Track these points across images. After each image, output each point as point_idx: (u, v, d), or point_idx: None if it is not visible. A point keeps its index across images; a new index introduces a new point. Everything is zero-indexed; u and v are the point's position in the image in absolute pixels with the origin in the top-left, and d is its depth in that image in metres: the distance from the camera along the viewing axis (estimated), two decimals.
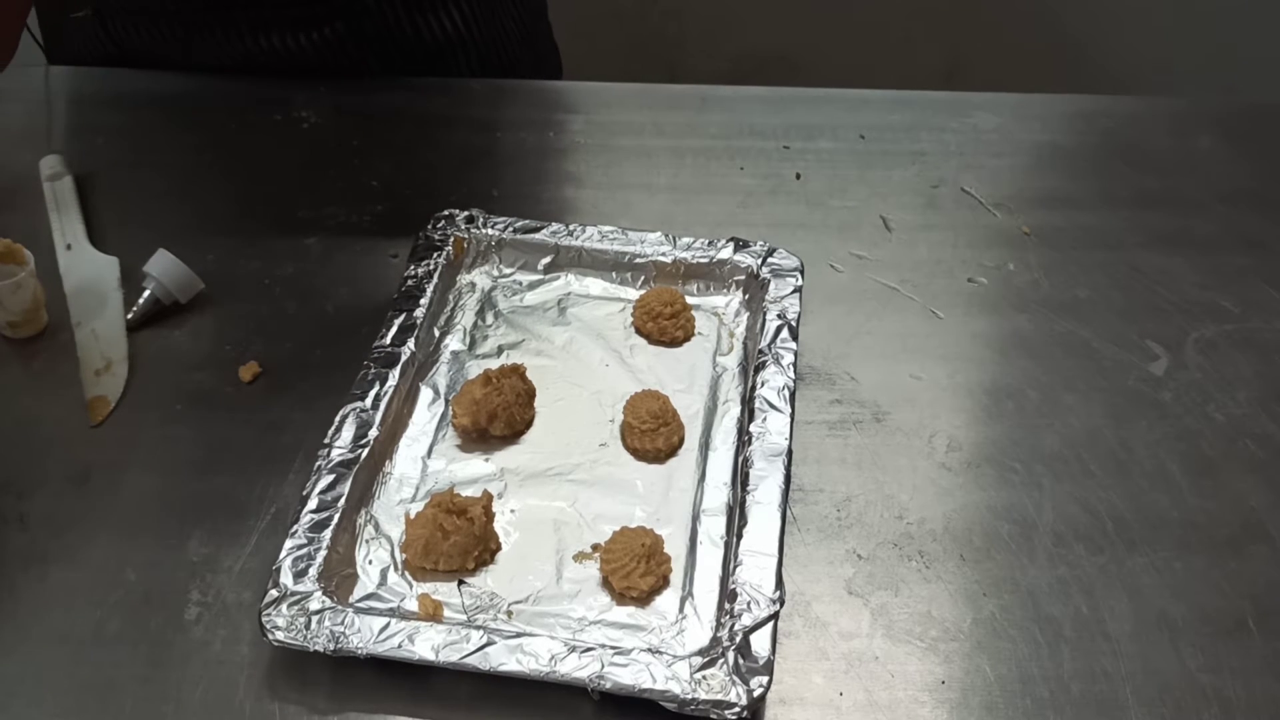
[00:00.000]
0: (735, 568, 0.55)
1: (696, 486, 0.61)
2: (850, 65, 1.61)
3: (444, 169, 0.85)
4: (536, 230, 0.74)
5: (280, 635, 0.52)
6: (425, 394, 0.66)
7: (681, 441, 0.63)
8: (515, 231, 0.74)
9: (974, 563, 0.59)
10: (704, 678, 0.50)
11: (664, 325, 0.69)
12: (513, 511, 0.60)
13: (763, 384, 0.64)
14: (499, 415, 0.62)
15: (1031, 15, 1.66)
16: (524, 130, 0.89)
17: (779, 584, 0.54)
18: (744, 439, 0.62)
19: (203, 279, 0.72)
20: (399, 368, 0.65)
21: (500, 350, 0.69)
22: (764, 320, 0.68)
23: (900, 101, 0.93)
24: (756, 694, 0.50)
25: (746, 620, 0.52)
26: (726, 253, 0.73)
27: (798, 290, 0.70)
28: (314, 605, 0.53)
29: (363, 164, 0.85)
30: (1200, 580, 0.59)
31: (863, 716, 0.53)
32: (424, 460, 0.62)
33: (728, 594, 0.54)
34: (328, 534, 0.56)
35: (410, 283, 0.70)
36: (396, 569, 0.57)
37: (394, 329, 0.67)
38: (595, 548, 0.58)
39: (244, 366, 0.68)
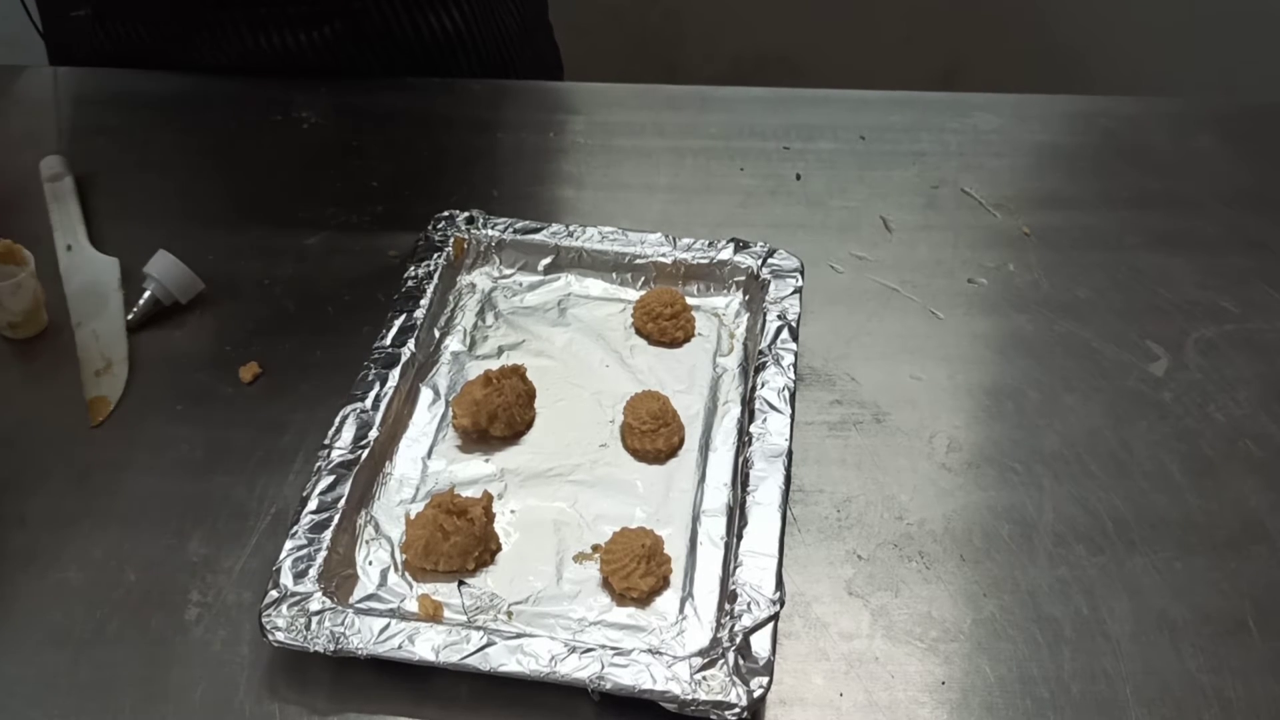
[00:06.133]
0: (735, 568, 0.55)
1: (697, 487, 0.61)
2: (850, 66, 1.61)
3: (444, 169, 0.85)
4: (536, 231, 0.74)
5: (280, 636, 0.52)
6: (425, 395, 0.66)
7: (681, 442, 0.63)
8: (515, 232, 0.74)
9: (974, 563, 0.59)
10: (704, 678, 0.50)
11: (664, 326, 0.69)
12: (513, 512, 0.60)
13: (763, 385, 0.64)
14: (499, 416, 0.62)
15: (1031, 16, 1.66)
16: (524, 131, 0.89)
17: (779, 585, 0.54)
18: (744, 440, 0.62)
19: (203, 279, 0.72)
20: (399, 368, 0.65)
21: (500, 351, 0.69)
22: (764, 321, 0.68)
23: (900, 102, 0.93)
24: (756, 694, 0.50)
25: (747, 621, 0.52)
26: (727, 253, 0.73)
27: (798, 291, 0.70)
28: (314, 606, 0.53)
29: (363, 164, 0.85)
30: (1200, 580, 0.59)
31: (863, 717, 0.53)
32: (424, 461, 0.62)
33: (728, 595, 0.54)
34: (328, 535, 0.56)
35: (410, 283, 0.70)
36: (396, 570, 0.57)
37: (394, 330, 0.67)
38: (595, 548, 0.58)
39: (244, 367, 0.68)
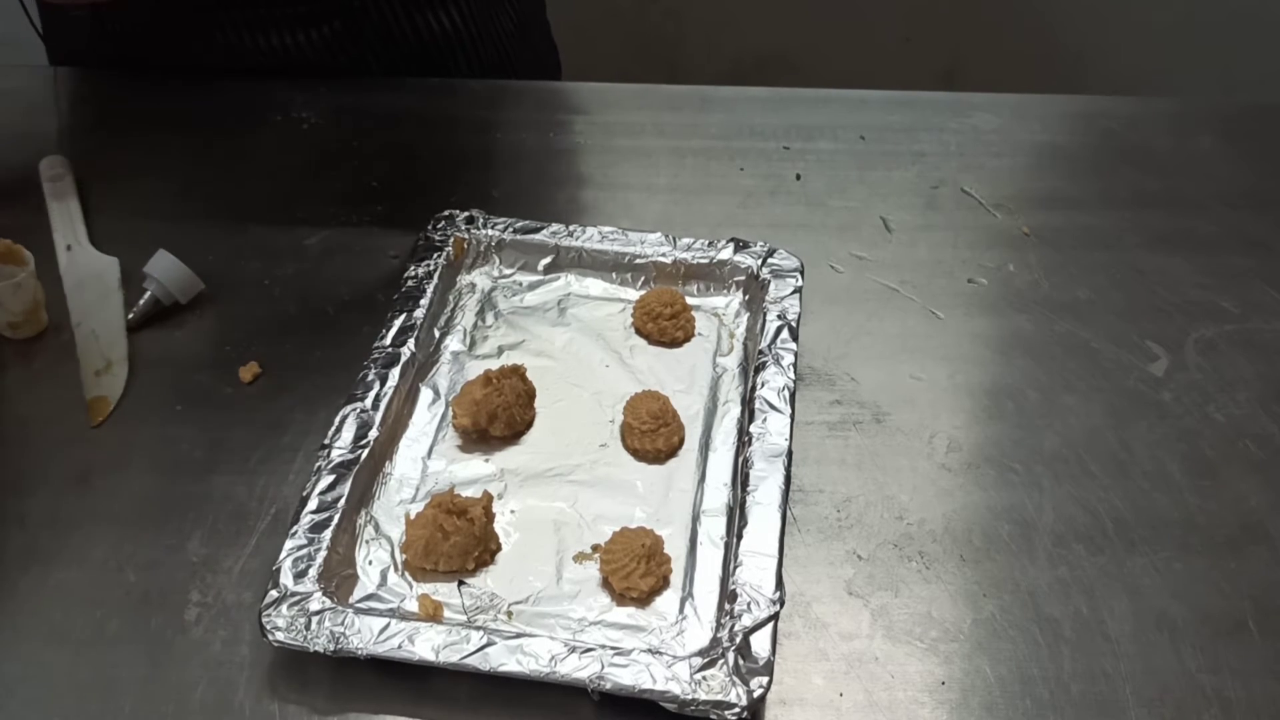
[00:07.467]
0: (735, 568, 0.55)
1: (696, 487, 0.61)
2: (850, 66, 1.61)
3: (444, 169, 0.85)
4: (536, 231, 0.74)
5: (280, 636, 0.52)
6: (425, 394, 0.66)
7: (681, 442, 0.63)
8: (515, 232, 0.74)
9: (974, 563, 0.59)
10: (704, 678, 0.50)
11: (664, 326, 0.69)
12: (513, 512, 0.60)
13: (763, 384, 0.64)
14: (499, 416, 0.62)
15: (1031, 17, 1.66)
16: (524, 131, 0.89)
17: (779, 585, 0.54)
18: (744, 439, 0.62)
19: (203, 279, 0.72)
20: (399, 368, 0.65)
21: (500, 351, 0.69)
22: (764, 321, 0.68)
23: (900, 102, 0.93)
24: (756, 694, 0.50)
25: (746, 621, 0.52)
26: (727, 253, 0.73)
27: (798, 291, 0.70)
28: (314, 606, 0.53)
29: (363, 164, 0.85)
30: (1200, 580, 0.59)
31: (863, 717, 0.53)
32: (424, 461, 0.62)
33: (728, 595, 0.54)
34: (328, 534, 0.56)
35: (410, 283, 0.70)
36: (396, 569, 0.57)
37: (394, 329, 0.67)
38: (595, 548, 0.58)
39: (244, 367, 0.68)
